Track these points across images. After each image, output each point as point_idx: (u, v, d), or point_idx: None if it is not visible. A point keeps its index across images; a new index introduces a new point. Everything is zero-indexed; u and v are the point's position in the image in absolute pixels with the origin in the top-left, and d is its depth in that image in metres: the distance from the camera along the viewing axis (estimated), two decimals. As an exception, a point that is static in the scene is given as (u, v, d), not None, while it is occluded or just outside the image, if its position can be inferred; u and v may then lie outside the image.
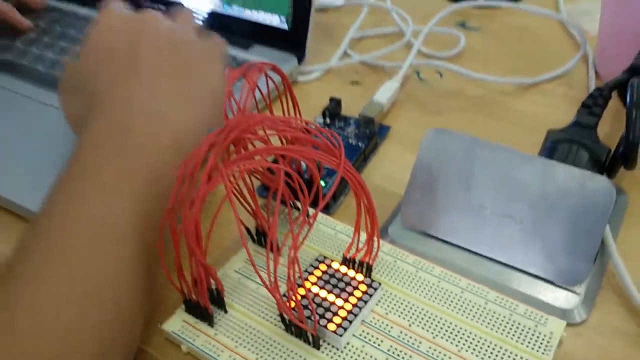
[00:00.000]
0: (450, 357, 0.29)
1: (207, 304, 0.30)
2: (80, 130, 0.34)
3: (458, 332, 0.30)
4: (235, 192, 0.33)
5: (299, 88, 0.51)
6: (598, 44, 0.50)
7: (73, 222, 0.30)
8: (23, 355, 0.26)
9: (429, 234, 0.36)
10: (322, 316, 0.30)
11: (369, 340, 0.30)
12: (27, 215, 0.39)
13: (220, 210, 0.28)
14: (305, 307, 0.30)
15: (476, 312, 0.31)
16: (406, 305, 0.31)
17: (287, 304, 0.29)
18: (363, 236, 0.32)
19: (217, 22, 0.54)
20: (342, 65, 0.53)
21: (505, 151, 0.34)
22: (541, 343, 0.29)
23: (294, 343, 0.30)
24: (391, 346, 0.29)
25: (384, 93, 0.46)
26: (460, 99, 0.49)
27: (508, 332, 0.30)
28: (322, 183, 0.39)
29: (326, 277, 0.32)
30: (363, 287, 0.31)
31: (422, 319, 0.31)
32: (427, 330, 0.30)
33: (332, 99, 0.45)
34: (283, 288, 0.31)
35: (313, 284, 0.32)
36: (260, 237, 0.35)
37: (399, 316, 0.31)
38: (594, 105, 0.37)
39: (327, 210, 0.38)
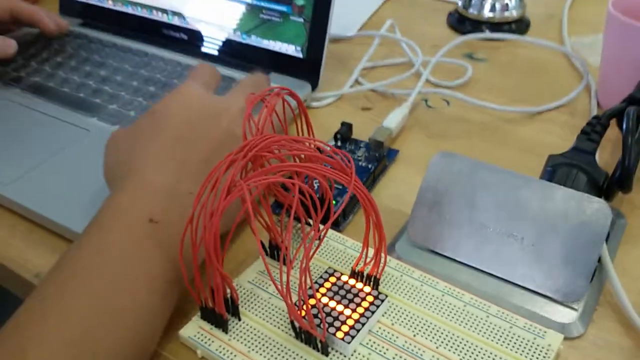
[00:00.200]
0: (452, 366, 0.30)
1: (222, 311, 0.32)
2: (112, 184, 0.37)
3: (460, 342, 0.32)
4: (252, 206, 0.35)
5: (312, 113, 0.53)
6: (600, 76, 0.52)
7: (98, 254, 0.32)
8: None
9: (434, 251, 0.37)
10: (330, 324, 0.32)
11: (375, 348, 0.31)
12: (62, 232, 0.41)
13: (237, 222, 0.31)
14: (315, 315, 0.32)
15: (478, 325, 0.32)
16: (411, 317, 0.33)
17: (299, 311, 0.30)
18: (371, 252, 0.34)
19: (236, 51, 0.57)
20: (353, 93, 0.55)
21: (507, 174, 0.36)
22: (539, 354, 0.31)
23: (304, 350, 0.32)
24: (396, 354, 0.31)
25: (393, 118, 0.49)
26: (466, 125, 0.51)
27: (508, 344, 0.31)
28: (333, 202, 0.41)
29: (335, 288, 0.34)
30: (370, 299, 0.33)
31: (426, 330, 0.32)
32: (431, 341, 0.32)
33: (343, 124, 0.48)
34: (294, 299, 0.33)
35: (323, 294, 0.33)
36: (274, 250, 0.37)
37: (404, 327, 0.32)
38: (592, 132, 0.39)
39: (337, 227, 0.40)
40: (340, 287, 0.34)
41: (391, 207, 0.42)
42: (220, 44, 0.58)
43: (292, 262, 0.36)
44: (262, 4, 0.55)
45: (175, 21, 0.61)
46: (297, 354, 0.31)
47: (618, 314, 0.35)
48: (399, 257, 0.37)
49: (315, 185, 0.41)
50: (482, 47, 0.62)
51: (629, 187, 0.37)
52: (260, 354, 0.31)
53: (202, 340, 0.32)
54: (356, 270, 0.34)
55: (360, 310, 0.32)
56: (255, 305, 0.34)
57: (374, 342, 0.32)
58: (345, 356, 0.31)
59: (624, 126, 0.36)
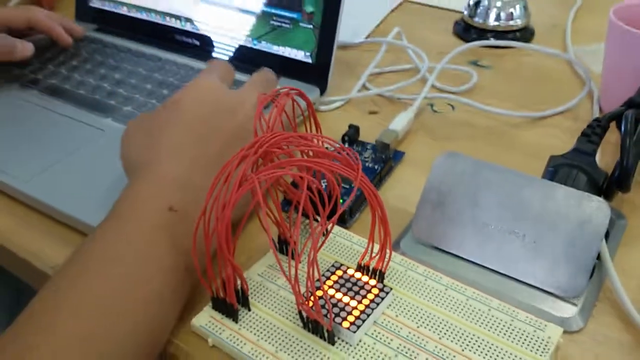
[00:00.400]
0: (454, 356, 0.31)
1: (233, 300, 0.33)
2: (130, 173, 0.39)
3: (462, 334, 0.33)
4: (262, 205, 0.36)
5: (320, 116, 0.55)
6: (602, 82, 0.54)
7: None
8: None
9: (438, 248, 0.38)
10: (337, 315, 0.33)
11: (380, 338, 0.32)
12: (78, 226, 0.42)
13: (248, 215, 0.32)
14: (322, 306, 0.33)
15: (480, 317, 0.33)
16: (415, 309, 0.34)
17: (307, 302, 0.31)
18: (377, 247, 0.35)
19: (247, 56, 0.59)
20: (361, 97, 0.57)
21: (509, 173, 0.37)
22: (539, 346, 0.32)
23: (311, 339, 0.33)
24: (400, 344, 0.32)
25: (400, 122, 0.50)
26: (471, 129, 0.52)
27: (509, 336, 0.32)
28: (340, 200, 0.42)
29: (342, 281, 0.35)
30: (375, 291, 0.34)
31: (430, 321, 0.33)
32: (434, 332, 0.33)
33: (351, 126, 0.49)
34: (302, 290, 0.34)
35: (330, 287, 0.34)
36: (282, 245, 0.38)
37: (408, 318, 0.34)
38: (592, 134, 0.40)
39: (344, 224, 0.41)
40: (347, 280, 0.35)
41: (397, 206, 0.43)
42: (232, 49, 0.60)
43: (300, 255, 0.37)
44: (273, 10, 0.56)
45: (188, 27, 0.62)
46: (305, 343, 0.32)
47: (617, 310, 0.35)
48: (404, 253, 0.39)
49: (323, 184, 0.42)
50: (487, 54, 0.64)
51: (628, 186, 0.38)
52: (269, 343, 0.33)
53: (213, 329, 0.34)
54: (362, 264, 0.35)
55: (365, 302, 0.34)
56: (264, 296, 0.35)
57: (379, 333, 0.33)
58: (351, 345, 0.32)
59: (623, 128, 0.37)
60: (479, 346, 0.32)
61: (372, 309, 0.33)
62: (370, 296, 0.34)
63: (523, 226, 0.36)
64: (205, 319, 0.34)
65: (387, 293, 0.34)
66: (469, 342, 0.32)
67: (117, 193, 0.37)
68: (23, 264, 0.41)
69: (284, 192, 0.38)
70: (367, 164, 0.46)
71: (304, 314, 0.33)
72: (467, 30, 0.68)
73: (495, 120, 0.53)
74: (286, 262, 0.37)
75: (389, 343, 0.32)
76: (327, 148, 0.36)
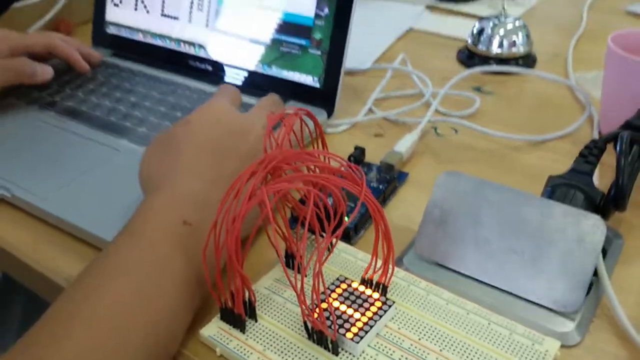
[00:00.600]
0: (454, 367, 0.32)
1: (241, 311, 0.34)
2: (147, 190, 0.40)
3: (462, 346, 0.34)
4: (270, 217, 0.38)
5: (327, 138, 0.56)
6: (601, 107, 0.55)
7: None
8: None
9: (440, 264, 0.40)
10: (341, 326, 0.34)
11: (382, 350, 0.34)
12: (93, 241, 0.43)
13: (256, 229, 0.33)
14: (327, 317, 0.34)
15: (480, 331, 0.34)
16: (417, 323, 0.35)
17: (312, 312, 0.33)
18: (380, 262, 0.36)
19: (257, 81, 0.61)
20: (366, 120, 0.58)
21: (510, 192, 0.39)
22: (537, 359, 0.33)
23: (315, 349, 0.34)
24: (402, 356, 0.33)
25: (404, 144, 0.51)
26: (473, 152, 0.54)
27: (507, 349, 0.33)
28: (345, 217, 0.44)
29: (346, 294, 0.36)
30: (378, 304, 0.35)
31: (431, 334, 0.34)
32: (435, 344, 0.34)
33: (357, 147, 0.51)
34: (308, 302, 0.35)
35: (334, 299, 0.36)
36: (289, 259, 0.39)
37: (410, 331, 0.35)
38: (589, 154, 0.42)
39: (349, 240, 0.43)
40: (351, 293, 0.36)
41: (400, 224, 0.45)
42: (243, 74, 0.62)
43: (305, 269, 0.38)
44: (283, 37, 0.59)
45: (202, 53, 0.65)
46: (309, 353, 0.34)
47: (614, 326, 0.36)
48: (407, 269, 0.40)
49: (330, 201, 0.43)
50: (490, 81, 0.65)
51: (624, 205, 0.39)
52: (275, 353, 0.34)
53: (221, 339, 0.35)
54: (366, 278, 0.36)
55: (368, 314, 0.35)
56: (271, 308, 0.37)
57: (381, 345, 0.34)
58: (354, 356, 0.33)
59: (618, 148, 0.39)
60: (478, 358, 0.33)
61: (375, 321, 0.34)
62: (374, 309, 0.35)
63: (523, 243, 0.38)
64: (214, 329, 0.36)
65: (390, 306, 0.35)
66: (469, 354, 0.33)
67: (133, 209, 0.38)
68: (39, 278, 0.43)
69: (292, 209, 0.39)
70: (372, 184, 0.48)
71: (309, 325, 0.34)
72: (470, 57, 0.70)
73: (496, 144, 0.54)
74: (293, 276, 0.38)
75: (391, 354, 0.33)
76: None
